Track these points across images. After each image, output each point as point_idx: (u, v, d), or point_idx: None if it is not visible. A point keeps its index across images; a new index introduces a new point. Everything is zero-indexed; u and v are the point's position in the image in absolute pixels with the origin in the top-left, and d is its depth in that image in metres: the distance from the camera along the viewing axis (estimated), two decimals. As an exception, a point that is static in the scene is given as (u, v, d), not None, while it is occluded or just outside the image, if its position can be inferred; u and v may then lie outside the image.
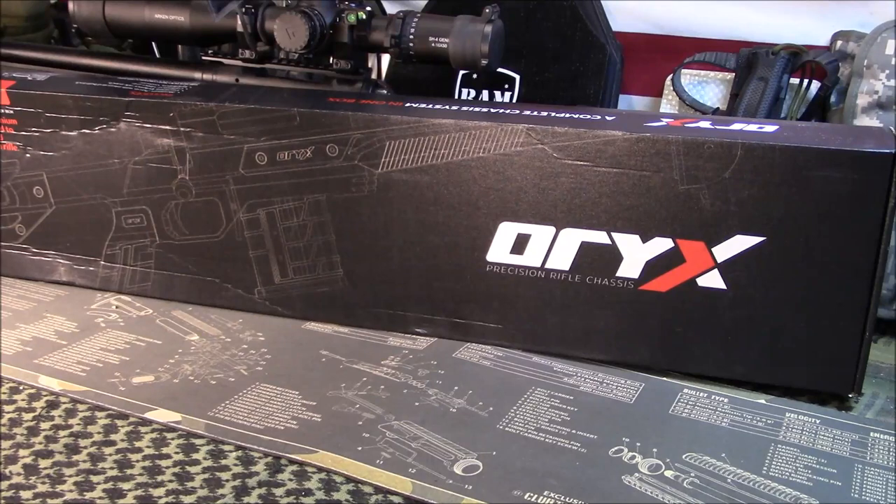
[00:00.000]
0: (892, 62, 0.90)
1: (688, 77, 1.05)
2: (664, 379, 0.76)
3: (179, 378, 0.74)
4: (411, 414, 0.69)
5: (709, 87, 1.05)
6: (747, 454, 0.65)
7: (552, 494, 0.59)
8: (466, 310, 0.81)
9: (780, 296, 0.72)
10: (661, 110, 1.07)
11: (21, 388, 0.72)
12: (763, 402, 0.73)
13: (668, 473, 0.62)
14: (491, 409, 0.70)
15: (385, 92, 0.93)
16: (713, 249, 0.73)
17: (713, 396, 0.74)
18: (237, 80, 0.94)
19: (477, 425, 0.68)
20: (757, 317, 0.73)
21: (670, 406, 0.72)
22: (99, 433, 0.66)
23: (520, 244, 0.78)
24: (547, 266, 0.77)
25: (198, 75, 0.95)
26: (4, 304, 0.87)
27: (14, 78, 0.90)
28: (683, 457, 0.64)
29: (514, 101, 1.05)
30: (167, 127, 0.83)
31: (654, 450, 0.65)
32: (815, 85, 0.97)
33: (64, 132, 0.86)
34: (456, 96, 1.08)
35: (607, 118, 0.76)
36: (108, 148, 0.85)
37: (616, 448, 0.65)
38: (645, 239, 0.74)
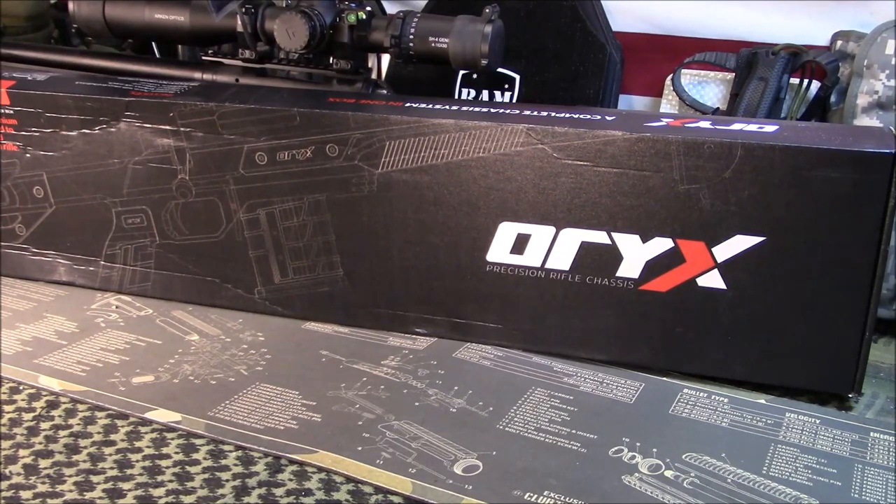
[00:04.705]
0: (892, 62, 0.90)
1: (688, 77, 1.05)
2: (664, 379, 0.76)
3: (179, 378, 0.74)
4: (411, 414, 0.69)
5: (709, 87, 1.05)
6: (747, 454, 0.65)
7: (552, 494, 0.59)
8: (466, 310, 0.81)
9: (780, 296, 0.72)
10: (661, 110, 1.07)
11: (21, 388, 0.72)
12: (763, 402, 0.73)
13: (668, 473, 0.62)
14: (491, 409, 0.70)
15: (385, 92, 0.93)
16: (713, 249, 0.73)
17: (713, 396, 0.74)
18: (237, 80, 0.94)
19: (477, 425, 0.68)
20: (757, 317, 0.73)
21: (670, 406, 0.72)
22: (99, 433, 0.66)
23: (520, 244, 0.78)
24: (547, 266, 0.77)
25: (198, 75, 0.95)
26: (4, 304, 0.87)
27: (14, 78, 0.89)
28: (683, 457, 0.64)
29: (514, 101, 1.05)
30: (167, 127, 0.83)
31: (654, 450, 0.65)
32: (815, 85, 0.97)
33: (64, 132, 0.86)
34: (456, 96, 1.08)
35: (607, 118, 0.76)
36: (108, 148, 0.85)
37: (616, 448, 0.65)
38: (645, 239, 0.74)
